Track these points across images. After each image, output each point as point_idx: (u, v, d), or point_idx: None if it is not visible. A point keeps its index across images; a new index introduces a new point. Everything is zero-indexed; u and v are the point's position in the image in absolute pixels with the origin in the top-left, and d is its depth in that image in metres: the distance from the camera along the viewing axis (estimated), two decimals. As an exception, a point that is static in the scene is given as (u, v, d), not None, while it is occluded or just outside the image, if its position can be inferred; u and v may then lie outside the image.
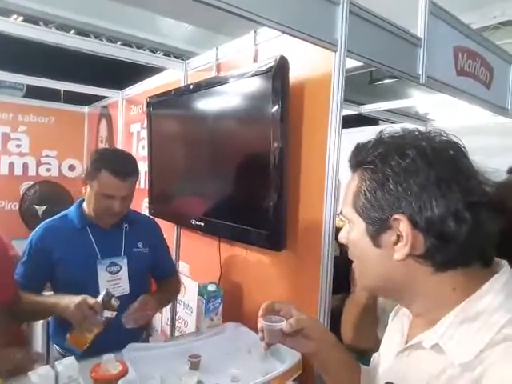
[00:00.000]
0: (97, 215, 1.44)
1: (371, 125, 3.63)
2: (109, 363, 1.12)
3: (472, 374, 0.51)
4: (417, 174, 0.55)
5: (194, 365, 1.28)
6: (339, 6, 1.24)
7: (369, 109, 3.24)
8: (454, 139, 0.60)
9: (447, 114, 3.27)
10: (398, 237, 0.57)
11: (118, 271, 1.47)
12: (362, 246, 0.63)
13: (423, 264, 0.57)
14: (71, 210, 1.51)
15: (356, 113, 3.35)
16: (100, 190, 1.38)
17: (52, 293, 1.48)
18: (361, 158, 0.62)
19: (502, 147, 2.70)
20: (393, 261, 0.58)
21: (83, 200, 1.51)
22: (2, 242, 1.22)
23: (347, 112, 3.26)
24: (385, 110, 3.41)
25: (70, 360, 1.09)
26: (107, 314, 1.21)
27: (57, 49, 1.93)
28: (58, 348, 1.50)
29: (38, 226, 1.48)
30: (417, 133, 0.61)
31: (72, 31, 3.40)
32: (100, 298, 1.22)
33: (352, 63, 1.42)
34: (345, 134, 1.27)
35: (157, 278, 1.67)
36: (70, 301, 1.22)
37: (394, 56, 1.47)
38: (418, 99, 3.01)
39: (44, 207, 3.39)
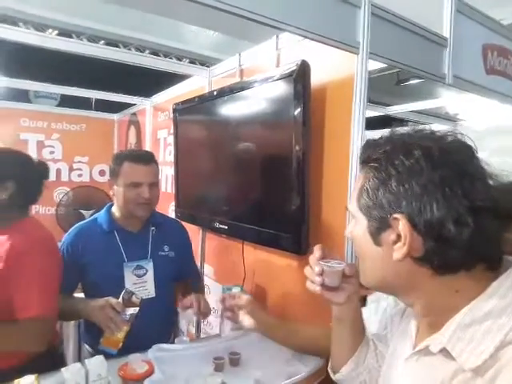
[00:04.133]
0: (128, 209, 1.47)
1: (401, 126, 3.56)
2: (135, 363, 1.15)
3: (483, 378, 0.50)
4: (420, 174, 0.54)
5: (219, 367, 1.29)
6: (360, 9, 1.23)
7: (395, 110, 3.19)
8: (468, 141, 0.58)
9: (478, 114, 3.17)
10: (398, 236, 0.56)
11: (144, 274, 1.51)
12: (363, 243, 0.63)
13: (422, 266, 0.56)
14: (100, 214, 1.56)
15: (382, 114, 3.30)
16: (127, 180, 1.43)
17: (82, 294, 1.53)
18: (368, 155, 0.62)
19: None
20: (392, 260, 0.58)
21: (112, 205, 1.56)
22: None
23: (373, 113, 3.22)
24: (413, 111, 3.34)
25: (100, 359, 1.13)
26: (130, 311, 1.25)
27: (88, 59, 2.02)
28: (88, 347, 1.56)
29: (70, 229, 1.54)
30: (427, 132, 0.60)
31: (102, 42, 3.53)
32: (120, 298, 1.26)
33: (376, 65, 1.41)
34: (372, 135, 1.26)
35: (181, 282, 1.69)
36: (94, 305, 1.27)
37: (419, 56, 1.44)
38: (446, 99, 2.92)
39: (91, 211, 3.48)
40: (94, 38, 3.53)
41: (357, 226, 0.64)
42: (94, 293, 1.40)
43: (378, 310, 0.93)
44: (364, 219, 0.61)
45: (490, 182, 0.55)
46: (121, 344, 1.26)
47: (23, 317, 1.15)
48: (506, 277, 0.54)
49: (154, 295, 1.52)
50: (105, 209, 1.58)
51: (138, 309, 1.27)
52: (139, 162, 1.43)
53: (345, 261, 1.28)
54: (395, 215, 0.56)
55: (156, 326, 1.48)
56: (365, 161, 0.63)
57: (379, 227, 0.59)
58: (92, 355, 1.47)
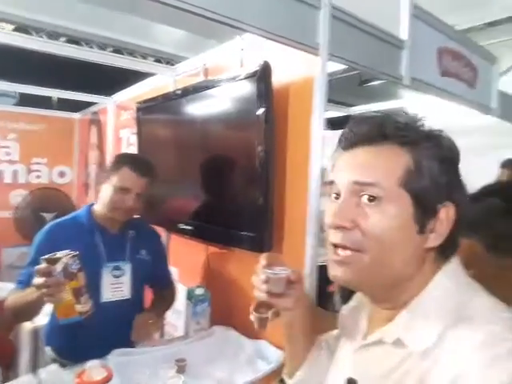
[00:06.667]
0: (109, 209, 1.46)
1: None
2: (93, 369, 1.11)
3: (429, 360, 0.52)
4: (456, 163, 0.58)
5: (180, 369, 1.28)
6: (321, 11, 1.25)
7: (357, 110, 3.27)
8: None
9: (434, 115, 3.30)
10: (435, 224, 0.56)
11: (121, 276, 1.50)
12: (400, 231, 0.55)
13: (431, 251, 0.58)
14: (81, 212, 1.54)
15: (346, 114, 3.38)
16: (118, 183, 1.44)
17: None
18: (408, 134, 0.57)
19: (492, 146, 2.73)
20: (422, 248, 0.57)
21: (92, 204, 1.55)
22: None
23: (335, 114, 3.29)
24: (374, 112, 3.44)
25: (54, 367, 1.09)
26: (60, 264, 1.10)
27: (49, 56, 1.94)
28: (51, 352, 1.48)
29: (45, 226, 1.49)
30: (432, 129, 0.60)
31: (63, 39, 3.40)
32: (42, 263, 1.11)
33: (339, 65, 1.44)
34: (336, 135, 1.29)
35: (154, 288, 1.68)
36: (32, 289, 1.15)
37: (378, 58, 1.48)
38: (407, 100, 3.03)
39: (53, 214, 3.26)
40: (55, 35, 3.40)
41: (388, 212, 0.55)
42: None
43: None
44: (410, 205, 0.55)
45: None
46: (77, 306, 1.11)
47: None
48: (446, 268, 0.59)
49: (129, 297, 1.51)
50: (85, 207, 1.56)
51: (68, 255, 1.12)
52: (136, 171, 1.45)
53: (304, 259, 1.30)
54: (446, 203, 0.56)
55: (128, 328, 1.44)
56: (395, 135, 0.58)
57: (428, 215, 0.55)
58: (54, 360, 1.41)
